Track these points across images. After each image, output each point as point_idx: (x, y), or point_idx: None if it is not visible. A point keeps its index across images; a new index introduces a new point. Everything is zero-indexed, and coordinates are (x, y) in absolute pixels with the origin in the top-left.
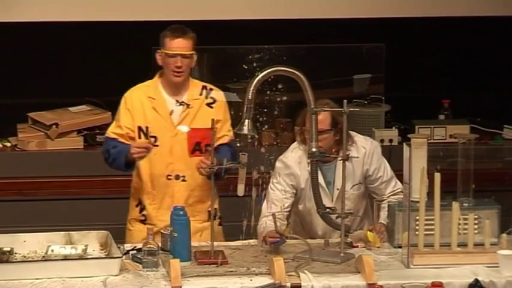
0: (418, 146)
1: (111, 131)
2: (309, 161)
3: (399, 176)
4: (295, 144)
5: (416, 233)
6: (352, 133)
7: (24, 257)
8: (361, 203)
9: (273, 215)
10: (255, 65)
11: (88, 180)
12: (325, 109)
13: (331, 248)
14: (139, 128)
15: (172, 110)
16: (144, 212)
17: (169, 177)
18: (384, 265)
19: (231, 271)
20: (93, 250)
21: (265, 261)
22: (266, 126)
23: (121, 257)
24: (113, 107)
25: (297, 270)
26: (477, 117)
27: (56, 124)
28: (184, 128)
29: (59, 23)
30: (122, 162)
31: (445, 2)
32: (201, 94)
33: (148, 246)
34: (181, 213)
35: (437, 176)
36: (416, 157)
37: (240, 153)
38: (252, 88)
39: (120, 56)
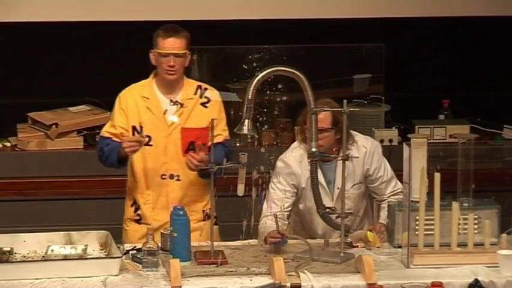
0: (418, 146)
1: (106, 130)
2: (309, 160)
3: (399, 176)
4: (295, 144)
5: (416, 233)
6: (353, 132)
7: (24, 257)
8: (361, 203)
9: (275, 215)
10: (255, 65)
11: (88, 180)
12: (325, 109)
13: (331, 248)
14: (134, 128)
15: (166, 110)
16: (139, 212)
17: (163, 176)
18: (383, 265)
19: (231, 271)
20: (93, 250)
21: (265, 261)
22: (266, 126)
23: (121, 257)
24: (112, 107)
25: (297, 270)
26: (477, 117)
27: (56, 124)
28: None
29: (59, 23)
30: (114, 158)
31: (445, 2)
32: (195, 93)
33: (148, 246)
34: (181, 213)
35: (437, 176)
36: (416, 157)
37: (240, 153)
38: (251, 88)
39: (120, 56)
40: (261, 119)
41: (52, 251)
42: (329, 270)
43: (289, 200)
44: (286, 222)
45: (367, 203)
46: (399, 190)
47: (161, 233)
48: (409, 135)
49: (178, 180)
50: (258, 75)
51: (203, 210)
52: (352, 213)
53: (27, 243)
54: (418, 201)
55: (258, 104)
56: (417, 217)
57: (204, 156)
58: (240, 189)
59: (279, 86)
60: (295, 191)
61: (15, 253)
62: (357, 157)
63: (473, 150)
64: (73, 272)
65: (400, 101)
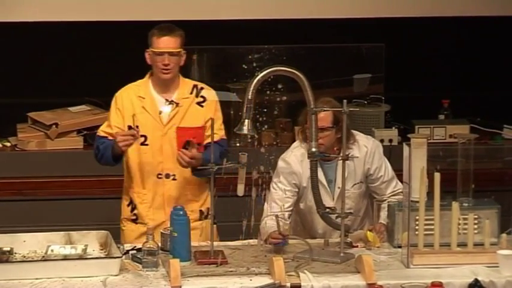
0: (417, 146)
1: (102, 130)
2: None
3: (399, 176)
4: (296, 143)
5: (416, 233)
6: (354, 132)
7: (24, 257)
8: (362, 202)
9: (276, 216)
10: (254, 65)
11: (88, 180)
12: (325, 109)
13: (331, 247)
14: (130, 127)
15: (161, 109)
16: (135, 211)
17: (159, 176)
18: (383, 265)
19: (231, 271)
20: (93, 250)
21: (265, 261)
22: (266, 126)
23: (121, 257)
24: None
25: (297, 270)
26: (477, 117)
27: (56, 124)
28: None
29: (59, 23)
30: (109, 155)
31: (445, 2)
32: (191, 93)
33: (148, 246)
34: (181, 213)
35: (437, 176)
36: (416, 157)
37: (240, 153)
38: (251, 88)
39: (120, 56)
40: (261, 119)
41: (52, 251)
42: (329, 270)
43: (290, 200)
44: (288, 222)
45: (368, 202)
46: (400, 190)
47: (161, 232)
48: (409, 135)
49: (174, 179)
50: (258, 75)
51: (200, 210)
52: (352, 213)
53: (27, 243)
54: (418, 201)
55: (258, 104)
56: (417, 217)
57: (196, 153)
58: (240, 189)
59: (279, 86)
60: (297, 190)
61: (15, 253)
62: (357, 157)
63: (473, 150)
64: (73, 272)
65: (400, 101)
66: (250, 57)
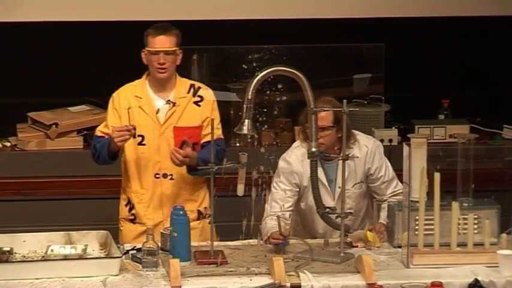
0: (417, 145)
1: (99, 130)
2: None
3: (399, 176)
4: (297, 143)
5: (416, 232)
6: (355, 132)
7: (24, 256)
8: (362, 202)
9: (278, 216)
10: (254, 65)
11: (88, 180)
12: (325, 109)
13: (331, 247)
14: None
15: (158, 109)
16: (133, 211)
17: (157, 175)
18: (383, 265)
19: (231, 271)
20: (93, 250)
21: (265, 261)
22: (266, 126)
23: (121, 256)
24: None
25: (297, 270)
26: (477, 117)
27: (56, 124)
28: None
29: (59, 23)
30: (105, 153)
31: (445, 2)
32: (188, 92)
33: (148, 246)
34: (181, 213)
35: (437, 176)
36: (416, 157)
37: (240, 153)
38: (251, 88)
39: (120, 56)
40: (260, 118)
41: (52, 250)
42: (329, 270)
43: (291, 199)
44: (289, 222)
45: (369, 203)
46: (400, 191)
47: (161, 232)
48: (409, 135)
49: (171, 179)
50: (257, 75)
51: (198, 210)
52: (352, 213)
53: (27, 243)
54: (418, 201)
55: (257, 103)
56: (417, 217)
57: (190, 152)
58: (240, 189)
59: (279, 86)
60: (297, 190)
61: (15, 253)
62: (357, 157)
63: (473, 150)
64: (73, 272)
65: (400, 101)
66: (250, 57)
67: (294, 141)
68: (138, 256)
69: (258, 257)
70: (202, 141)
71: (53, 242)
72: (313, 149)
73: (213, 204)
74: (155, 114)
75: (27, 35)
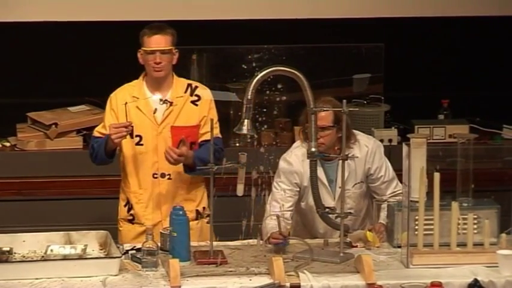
0: (417, 145)
1: (97, 131)
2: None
3: (399, 176)
4: (297, 143)
5: (416, 232)
6: (356, 132)
7: (24, 256)
8: (363, 202)
9: (277, 216)
10: (254, 65)
11: (87, 180)
12: (325, 109)
13: (331, 247)
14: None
15: (155, 109)
16: (132, 212)
17: (155, 175)
18: (383, 265)
19: (231, 271)
20: (93, 250)
21: (265, 261)
22: (265, 126)
23: (120, 257)
24: None
25: (296, 270)
26: (476, 117)
27: (55, 124)
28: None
29: (59, 23)
30: (102, 151)
31: (445, 2)
32: (185, 92)
33: (148, 246)
34: (181, 213)
35: (437, 176)
36: (416, 157)
37: (240, 153)
38: (251, 88)
39: (119, 56)
40: (260, 118)
41: (51, 250)
42: (328, 270)
43: (291, 199)
44: (290, 222)
45: (369, 203)
46: (400, 191)
47: (160, 232)
48: (408, 135)
49: (169, 179)
50: (257, 75)
51: (196, 210)
52: (352, 213)
53: (26, 243)
54: (417, 201)
55: (257, 103)
56: (417, 217)
57: (185, 151)
58: (240, 189)
59: (279, 86)
60: (298, 189)
61: (15, 253)
62: (357, 157)
63: (473, 150)
64: (72, 272)
65: (400, 101)
66: (249, 57)
67: (293, 141)
68: (138, 256)
69: (258, 257)
70: (200, 140)
71: (52, 242)
72: (313, 149)
73: (212, 204)
74: (152, 114)
75: (27, 35)
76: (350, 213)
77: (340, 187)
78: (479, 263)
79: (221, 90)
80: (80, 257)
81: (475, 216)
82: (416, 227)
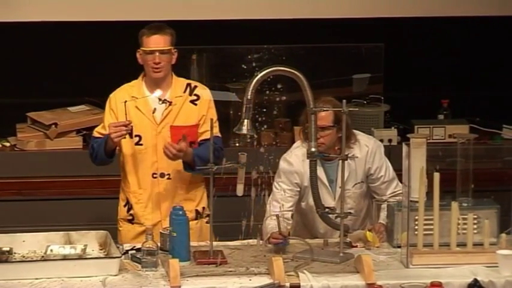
0: (417, 145)
1: (97, 131)
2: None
3: (399, 175)
4: (298, 143)
5: (416, 232)
6: (356, 132)
7: (24, 256)
8: (363, 202)
9: (277, 216)
10: (254, 65)
11: (87, 180)
12: (325, 109)
13: (331, 247)
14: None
15: (155, 108)
16: (131, 212)
17: (154, 175)
18: (383, 265)
19: (230, 271)
20: (92, 250)
21: (265, 261)
22: (265, 126)
23: (120, 257)
24: None
25: (296, 270)
26: (476, 117)
27: (55, 124)
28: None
29: (59, 23)
30: (102, 151)
31: (445, 2)
32: (184, 91)
33: (148, 246)
34: (181, 213)
35: (437, 176)
36: (416, 157)
37: (239, 153)
38: (251, 88)
39: (119, 56)
40: (260, 119)
41: (51, 250)
42: (328, 270)
43: (292, 199)
44: (291, 222)
45: (369, 203)
46: (400, 191)
47: (160, 232)
48: (408, 135)
49: (169, 178)
50: (257, 75)
51: (196, 210)
52: (352, 213)
53: (26, 243)
54: (417, 201)
55: (257, 104)
56: (416, 217)
57: (184, 147)
58: (239, 189)
59: (278, 86)
60: (298, 189)
61: (15, 253)
62: (357, 157)
63: (473, 150)
64: (72, 272)
65: (400, 101)
66: (249, 57)
67: (293, 141)
68: (138, 256)
69: (258, 257)
70: (199, 139)
71: (52, 242)
72: (313, 149)
73: (212, 204)
74: (152, 114)
75: (27, 35)
76: (350, 213)
77: (340, 187)
78: (479, 263)
79: (221, 90)
80: (80, 257)
81: (475, 216)
82: (416, 227)
